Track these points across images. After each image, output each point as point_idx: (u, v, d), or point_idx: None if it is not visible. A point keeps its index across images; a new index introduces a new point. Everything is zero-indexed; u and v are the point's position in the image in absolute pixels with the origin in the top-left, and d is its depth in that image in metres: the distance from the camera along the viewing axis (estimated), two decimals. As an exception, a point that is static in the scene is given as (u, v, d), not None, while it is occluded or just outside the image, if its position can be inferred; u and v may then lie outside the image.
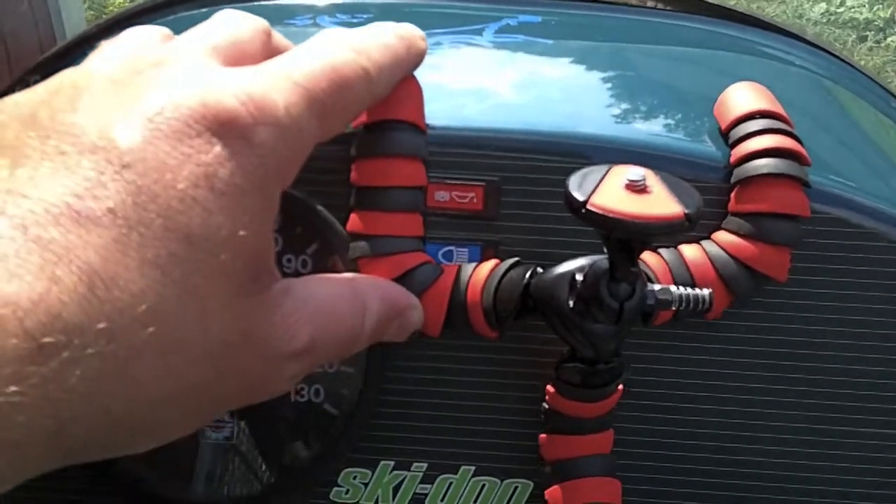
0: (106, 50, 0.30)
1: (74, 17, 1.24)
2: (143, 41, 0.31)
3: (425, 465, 0.43)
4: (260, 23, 0.33)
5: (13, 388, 0.22)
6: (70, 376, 0.23)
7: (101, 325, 0.24)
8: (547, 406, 0.40)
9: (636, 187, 0.31)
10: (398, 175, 0.38)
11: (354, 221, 0.38)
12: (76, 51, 0.55)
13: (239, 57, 0.30)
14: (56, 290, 0.23)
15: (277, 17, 0.54)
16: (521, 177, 0.40)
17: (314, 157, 0.38)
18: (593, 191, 0.31)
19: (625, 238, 0.32)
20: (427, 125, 0.39)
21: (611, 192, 0.31)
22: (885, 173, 0.47)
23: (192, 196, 0.26)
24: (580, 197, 0.31)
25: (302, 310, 0.30)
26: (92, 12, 2.27)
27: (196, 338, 0.26)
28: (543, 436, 0.40)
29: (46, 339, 0.23)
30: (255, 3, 0.55)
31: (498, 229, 0.40)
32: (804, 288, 0.40)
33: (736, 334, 0.41)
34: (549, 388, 0.39)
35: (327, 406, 0.41)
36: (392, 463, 0.43)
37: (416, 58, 0.36)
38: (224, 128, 0.27)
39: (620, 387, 0.39)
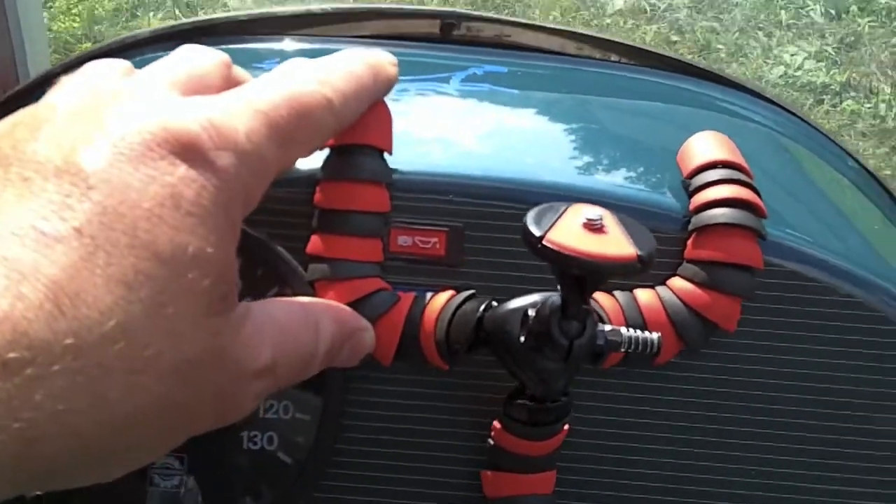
0: (65, 84, 0.31)
1: (39, 56, 1.23)
2: (102, 75, 0.31)
3: None
4: (219, 56, 0.33)
5: None
6: (35, 393, 0.23)
7: (68, 342, 0.23)
8: (492, 442, 0.40)
9: (593, 226, 0.32)
10: (361, 200, 0.38)
11: (315, 243, 0.38)
12: (39, 90, 0.55)
13: (198, 89, 0.31)
14: (21, 306, 0.23)
15: (247, 59, 0.54)
16: (484, 223, 0.40)
17: (277, 200, 0.39)
18: (550, 227, 0.32)
19: (578, 275, 0.32)
20: (392, 170, 0.39)
21: (568, 229, 0.32)
22: (840, 229, 0.48)
23: (158, 215, 0.26)
24: (537, 232, 0.32)
25: (262, 330, 0.30)
26: (57, 55, 2.27)
27: (165, 355, 0.26)
28: (487, 472, 0.40)
29: (10, 356, 0.22)
30: (224, 47, 0.55)
31: (460, 275, 0.40)
32: (759, 341, 0.41)
33: (687, 385, 0.41)
34: (496, 423, 0.39)
35: (281, 454, 0.41)
36: None
37: (385, 84, 0.36)
38: (187, 151, 0.27)
39: (566, 427, 0.39)
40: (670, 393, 0.41)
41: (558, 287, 0.34)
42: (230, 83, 0.32)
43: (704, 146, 0.42)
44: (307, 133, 0.31)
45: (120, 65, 0.32)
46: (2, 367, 0.22)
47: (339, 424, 0.41)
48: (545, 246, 0.31)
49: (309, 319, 0.33)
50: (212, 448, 0.40)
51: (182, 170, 0.26)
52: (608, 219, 0.32)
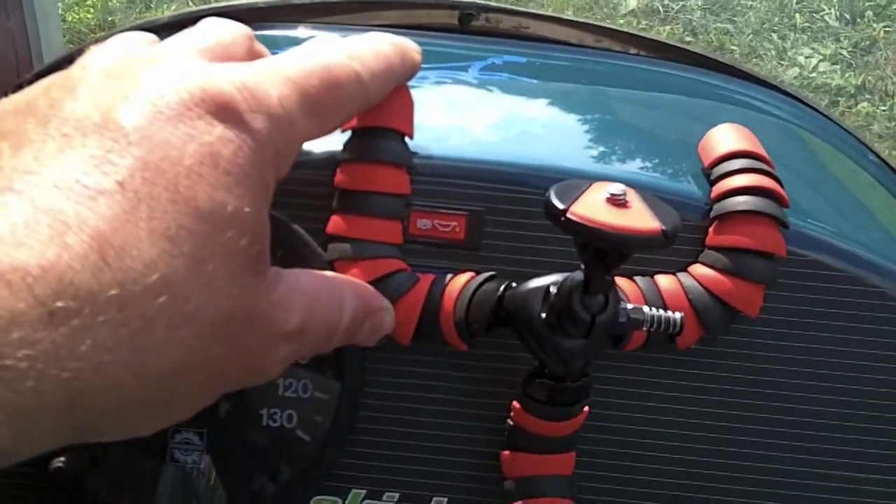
0: (95, 50, 0.31)
1: (54, 41, 1.24)
2: (131, 43, 0.31)
3: (397, 494, 0.42)
4: (242, 28, 0.33)
5: (23, 353, 0.22)
6: (81, 344, 0.23)
7: (113, 293, 0.23)
8: (511, 423, 0.40)
9: (617, 201, 0.32)
10: (383, 181, 0.38)
11: (336, 223, 0.38)
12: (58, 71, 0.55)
13: (225, 57, 0.31)
14: (67, 256, 0.23)
15: (267, 46, 0.54)
16: (504, 208, 0.40)
17: (296, 182, 0.39)
18: (574, 201, 0.32)
19: (602, 249, 0.32)
20: (413, 153, 0.39)
21: (591, 203, 0.32)
22: (863, 221, 0.48)
23: (198, 172, 0.26)
24: (560, 205, 0.31)
25: (293, 294, 0.30)
26: (71, 45, 2.27)
27: (204, 310, 0.26)
28: (506, 452, 0.40)
29: (57, 305, 0.22)
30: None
31: (479, 259, 0.40)
32: (781, 328, 0.41)
33: (710, 371, 0.41)
34: (515, 404, 0.39)
35: (300, 432, 0.41)
36: (364, 492, 0.42)
37: (410, 69, 0.37)
38: (223, 112, 0.27)
39: (586, 409, 0.39)
40: (692, 379, 0.41)
41: (581, 266, 0.34)
42: (253, 55, 0.32)
43: (726, 137, 0.42)
44: (336, 104, 0.32)
45: (145, 35, 0.32)
46: (49, 317, 0.22)
47: (358, 404, 0.41)
48: (569, 219, 0.31)
49: (334, 291, 0.33)
50: (232, 424, 0.40)
51: (219, 129, 0.27)
52: (631, 195, 0.32)
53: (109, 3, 2.61)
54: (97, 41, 0.51)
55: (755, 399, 0.41)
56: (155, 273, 0.24)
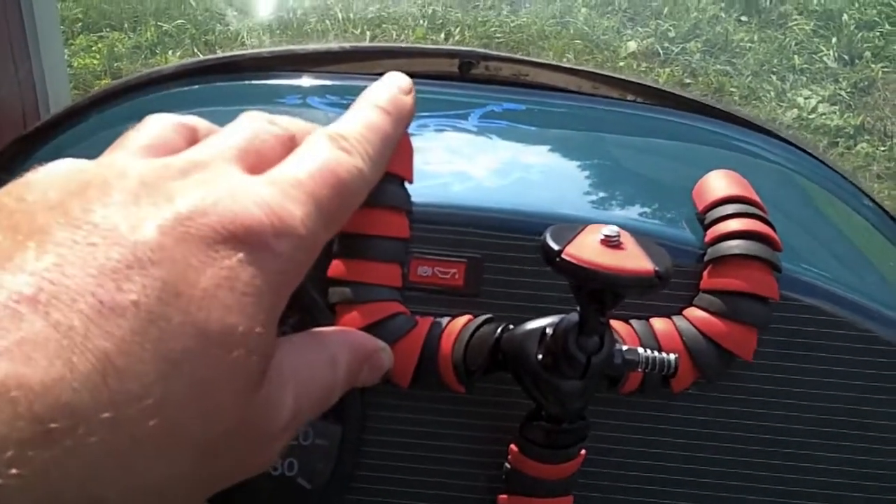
0: (129, 144, 0.31)
1: (60, 92, 1.25)
2: (164, 137, 0.32)
3: None
4: (284, 130, 0.34)
5: (14, 471, 0.22)
6: (70, 463, 0.23)
7: (107, 415, 0.24)
8: (509, 466, 0.40)
9: (611, 243, 0.32)
10: (382, 225, 0.39)
11: (337, 267, 0.39)
12: (72, 119, 0.56)
13: (258, 163, 0.32)
14: (70, 376, 0.23)
15: (269, 95, 0.55)
16: (503, 255, 0.41)
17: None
18: (568, 242, 0.32)
19: (596, 290, 0.33)
20: (413, 203, 0.40)
21: (586, 245, 0.32)
22: (856, 265, 0.48)
23: (214, 295, 0.26)
24: (556, 247, 0.32)
25: (284, 381, 0.31)
26: (76, 91, 2.30)
27: (198, 431, 0.27)
28: (503, 496, 0.40)
29: (54, 425, 0.23)
30: (248, 83, 0.56)
31: (479, 305, 0.41)
32: (776, 373, 0.41)
33: (705, 416, 0.42)
34: (513, 447, 0.39)
35: (301, 480, 0.41)
36: None
37: (405, 120, 0.37)
38: (249, 237, 0.28)
39: (583, 452, 0.39)
40: (687, 423, 0.41)
41: (577, 308, 0.34)
42: (288, 152, 0.33)
43: (719, 182, 0.43)
44: (346, 208, 0.33)
45: (182, 126, 0.33)
46: (44, 436, 0.22)
47: (358, 450, 0.41)
48: (564, 259, 0.32)
49: (325, 355, 0.34)
50: None
51: (242, 254, 0.27)
52: (625, 236, 0.33)
53: (115, 49, 2.64)
54: (95, 103, 0.52)
55: (750, 444, 0.42)
56: (151, 397, 0.25)
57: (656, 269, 0.31)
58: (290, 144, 0.33)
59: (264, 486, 0.41)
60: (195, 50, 2.61)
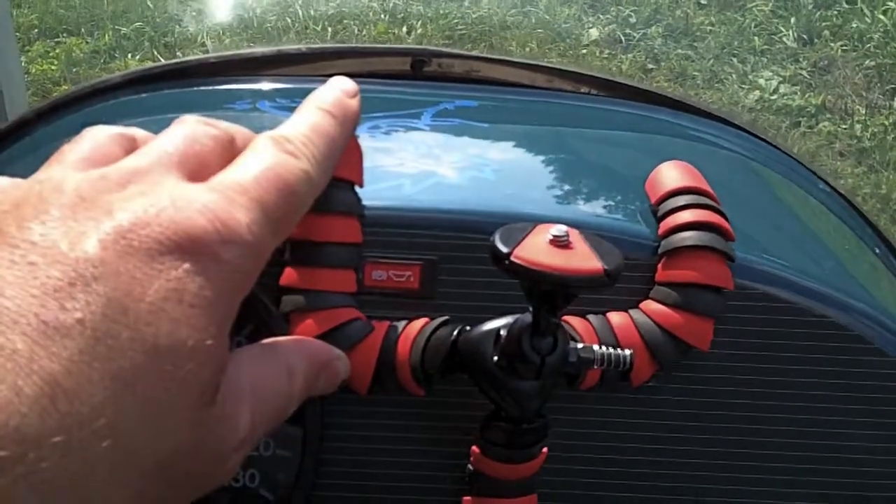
0: (67, 157, 0.31)
1: (17, 99, 1.24)
2: (103, 149, 0.31)
3: None
4: (221, 131, 0.33)
5: None
6: (21, 491, 0.23)
7: (58, 439, 0.23)
8: (471, 467, 0.40)
9: (559, 243, 0.32)
10: (333, 231, 0.38)
11: (289, 275, 0.39)
12: (18, 132, 0.55)
13: (199, 169, 0.31)
14: (17, 401, 0.23)
15: (218, 101, 0.55)
16: (458, 255, 0.40)
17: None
18: (517, 244, 0.32)
19: (547, 291, 0.33)
20: (364, 205, 0.39)
21: (535, 246, 0.32)
22: (812, 251, 0.49)
23: (162, 308, 0.26)
24: (504, 249, 0.32)
25: (239, 395, 0.30)
26: (35, 98, 2.27)
27: (151, 449, 0.26)
28: (467, 498, 0.40)
29: (3, 453, 0.22)
30: (196, 90, 0.55)
31: (435, 307, 0.40)
32: (733, 363, 0.41)
33: (664, 408, 0.42)
34: (474, 448, 0.39)
35: (263, 491, 0.41)
36: None
37: (351, 123, 0.36)
38: (194, 245, 0.27)
39: (545, 450, 0.39)
40: (646, 416, 0.41)
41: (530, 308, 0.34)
42: (231, 156, 0.32)
43: (671, 174, 0.43)
44: (292, 212, 0.32)
45: (121, 136, 0.32)
46: None
47: (319, 459, 0.41)
48: (513, 262, 0.32)
49: (280, 365, 0.33)
50: None
51: (188, 264, 0.27)
52: (574, 235, 0.33)
53: (73, 55, 2.61)
54: (46, 113, 0.51)
55: (711, 433, 0.42)
56: (102, 418, 0.24)
57: (605, 267, 0.31)
58: (230, 147, 0.32)
59: (225, 498, 0.41)
60: (154, 53, 2.58)
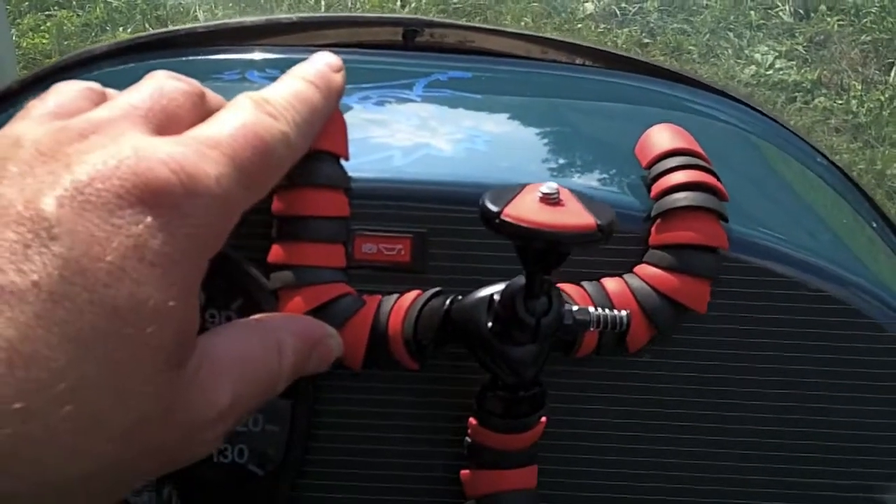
0: (32, 112, 0.30)
1: (7, 73, 1.23)
2: (69, 103, 0.30)
3: None
4: (191, 86, 0.32)
5: None
6: None
7: (18, 406, 0.23)
8: (469, 440, 0.39)
9: (550, 200, 0.31)
10: (319, 205, 0.37)
11: (276, 252, 0.38)
12: (2, 103, 0.54)
13: (168, 123, 0.30)
14: None
15: (206, 71, 0.54)
16: (449, 228, 0.40)
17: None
18: (507, 203, 0.31)
19: (540, 249, 0.32)
20: (353, 178, 0.39)
21: (525, 204, 0.31)
22: (809, 225, 0.48)
23: (121, 268, 0.25)
24: (494, 208, 0.31)
25: (220, 370, 0.29)
26: (26, 72, 2.25)
27: (116, 415, 0.25)
28: (466, 471, 0.40)
29: None
30: (184, 59, 0.54)
31: (426, 281, 0.40)
32: (730, 337, 0.41)
33: (661, 383, 0.41)
34: (472, 420, 0.39)
35: (252, 466, 0.40)
36: None
37: (335, 96, 0.36)
38: (156, 198, 0.26)
39: (543, 419, 0.39)
40: (643, 390, 0.41)
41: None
42: (202, 112, 0.31)
43: (661, 136, 0.42)
44: (268, 172, 0.31)
45: (89, 90, 0.31)
46: None
47: (310, 434, 0.40)
48: (503, 221, 0.31)
49: (269, 341, 0.32)
50: None
51: (149, 219, 0.26)
52: (565, 193, 0.32)
53: (64, 28, 2.58)
54: (31, 84, 0.50)
55: (707, 408, 0.41)
56: (62, 382, 0.24)
57: (598, 222, 0.31)
58: (200, 104, 0.31)
59: (214, 474, 0.40)
60: (146, 26, 2.56)
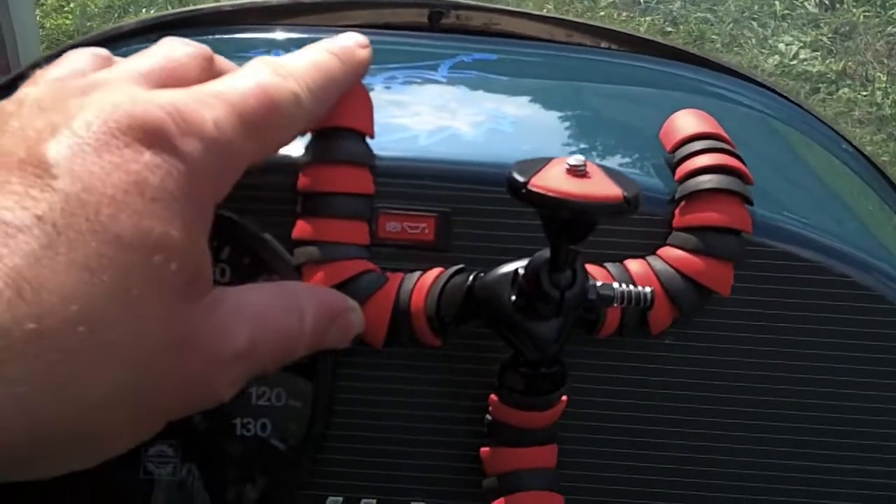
0: (39, 78, 0.31)
1: (31, 53, 1.23)
2: (75, 67, 0.31)
3: (374, 500, 0.42)
4: (199, 48, 0.33)
5: None
6: None
7: (30, 327, 0.23)
8: (490, 417, 0.39)
9: (577, 172, 0.32)
10: (343, 182, 0.38)
11: (300, 227, 0.38)
12: (22, 82, 0.54)
13: (172, 81, 0.31)
14: None
15: (231, 50, 0.54)
16: (473, 208, 0.40)
17: (264, 188, 0.39)
18: (534, 174, 0.32)
19: (566, 220, 0.32)
20: (378, 156, 0.39)
21: (552, 176, 0.32)
22: (834, 210, 0.48)
23: (122, 201, 0.26)
24: (521, 178, 0.31)
25: (239, 314, 0.30)
26: (49, 52, 2.26)
27: (131, 340, 0.26)
28: (486, 449, 0.40)
29: None
30: (209, 38, 0.55)
31: (450, 260, 0.40)
32: (754, 321, 0.41)
33: (684, 366, 0.41)
34: (493, 397, 0.39)
35: (274, 441, 0.40)
36: (340, 499, 0.42)
37: (357, 68, 0.36)
38: (151, 137, 0.27)
39: (564, 398, 0.39)
40: (665, 369, 0.41)
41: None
42: (210, 76, 0.32)
43: (685, 121, 0.42)
44: (276, 125, 0.32)
45: (96, 55, 0.32)
46: None
47: (332, 409, 0.40)
48: (530, 190, 0.31)
49: (291, 301, 0.33)
50: (205, 435, 0.40)
51: (147, 156, 0.27)
52: (591, 166, 0.32)
53: (88, 9, 2.59)
54: (59, 56, 0.51)
55: (730, 391, 0.41)
56: (74, 304, 0.24)
57: (625, 194, 0.31)
58: (207, 67, 0.32)
59: (237, 447, 0.40)
60: (169, 8, 2.56)
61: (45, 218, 0.25)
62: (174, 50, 0.32)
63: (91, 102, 0.27)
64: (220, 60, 0.34)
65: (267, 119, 0.31)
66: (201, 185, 0.28)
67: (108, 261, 0.25)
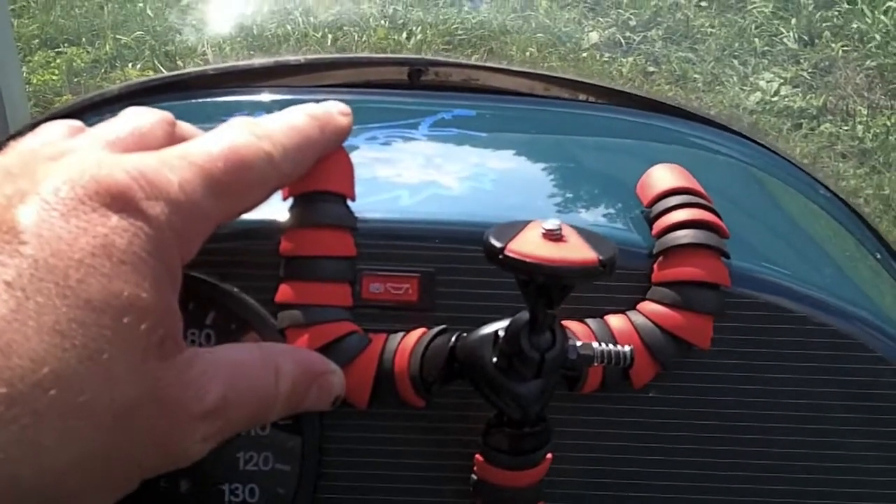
0: (13, 149, 0.31)
1: (19, 110, 1.24)
2: (47, 136, 0.32)
3: None
4: (161, 115, 0.34)
5: None
6: None
7: (2, 391, 0.24)
8: (475, 476, 0.39)
9: (552, 236, 0.32)
10: (325, 245, 0.38)
11: (283, 291, 0.39)
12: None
13: (138, 147, 0.31)
14: None
15: (216, 113, 0.55)
16: (457, 267, 0.40)
17: (247, 252, 0.39)
18: (511, 239, 0.32)
19: (543, 284, 0.33)
20: (361, 217, 0.39)
21: (528, 240, 0.32)
22: (813, 258, 0.48)
23: (90, 264, 0.26)
24: (498, 244, 0.32)
25: (211, 371, 0.30)
26: (37, 108, 2.27)
27: (101, 401, 0.26)
28: None
29: None
30: (194, 102, 0.55)
31: (434, 319, 0.40)
32: (736, 372, 0.41)
33: (668, 418, 0.41)
34: (478, 456, 0.39)
35: None
36: None
37: (336, 134, 0.37)
38: (118, 202, 0.27)
39: (549, 456, 0.39)
40: (648, 426, 0.41)
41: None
42: (173, 140, 0.33)
43: (660, 176, 0.43)
44: (246, 185, 0.32)
45: (69, 126, 0.33)
46: None
47: (319, 473, 0.40)
48: (507, 256, 0.32)
49: (268, 360, 0.33)
50: (193, 501, 0.40)
51: (114, 220, 0.27)
52: (567, 229, 0.33)
53: (74, 64, 2.61)
54: (52, 119, 0.51)
55: (714, 443, 0.41)
56: (44, 367, 0.25)
57: (600, 257, 0.32)
58: (171, 131, 0.33)
59: (226, 513, 0.40)
60: (155, 62, 2.58)
61: (13, 284, 0.25)
62: (139, 117, 0.33)
63: (59, 168, 0.28)
64: (183, 126, 0.35)
65: (236, 178, 0.31)
66: (168, 245, 0.29)
67: (79, 324, 0.26)
